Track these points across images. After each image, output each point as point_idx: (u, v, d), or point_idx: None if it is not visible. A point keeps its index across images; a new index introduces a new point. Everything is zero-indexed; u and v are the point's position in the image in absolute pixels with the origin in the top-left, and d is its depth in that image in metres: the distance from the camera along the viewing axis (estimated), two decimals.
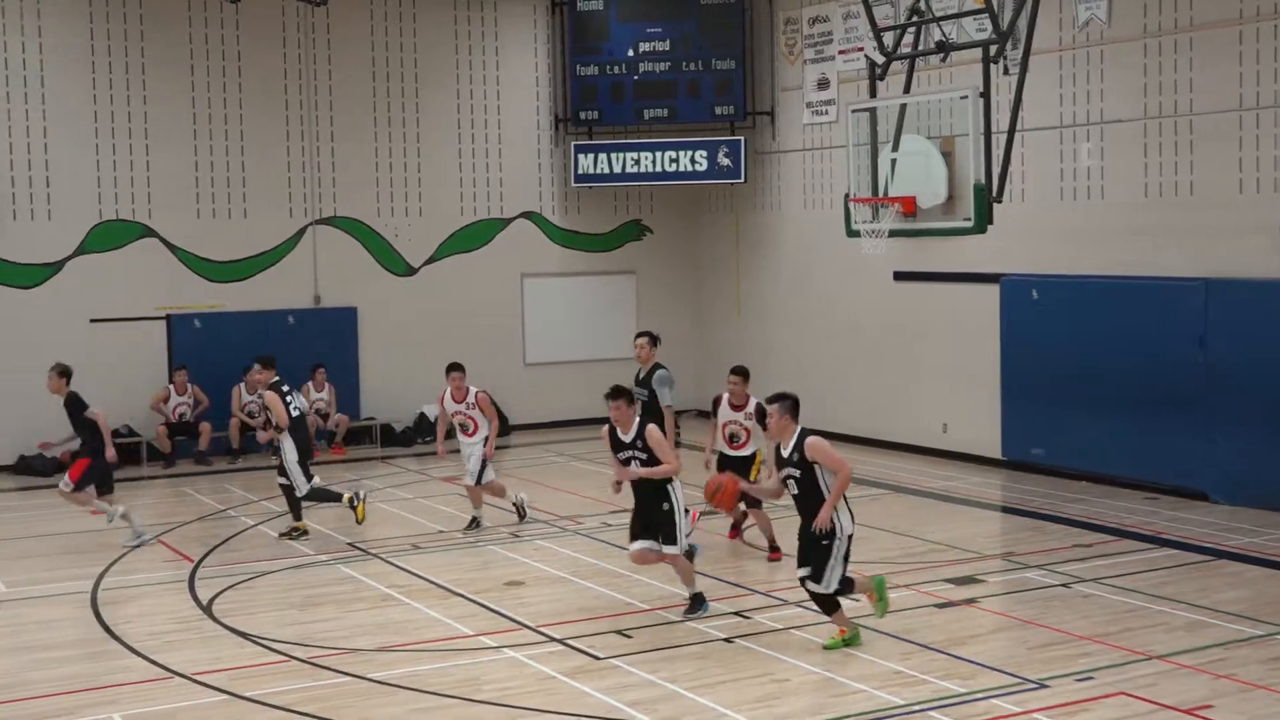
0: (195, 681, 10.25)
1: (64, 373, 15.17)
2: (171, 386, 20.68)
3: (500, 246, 23.44)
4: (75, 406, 15.06)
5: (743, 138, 22.84)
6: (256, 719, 9.45)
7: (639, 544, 11.51)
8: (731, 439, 13.68)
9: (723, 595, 12.30)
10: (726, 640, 10.98)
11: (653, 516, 11.44)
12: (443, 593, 12.71)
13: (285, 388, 15.39)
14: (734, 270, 23.97)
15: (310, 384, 21.36)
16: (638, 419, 11.46)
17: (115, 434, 20.43)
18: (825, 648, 10.55)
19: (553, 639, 11.06)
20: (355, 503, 15.45)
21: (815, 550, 10.41)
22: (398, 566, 13.78)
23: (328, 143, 22.24)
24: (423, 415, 22.38)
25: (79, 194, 20.65)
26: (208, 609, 12.34)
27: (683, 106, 23.10)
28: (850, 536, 10.47)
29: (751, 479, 13.31)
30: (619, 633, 11.20)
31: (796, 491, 10.53)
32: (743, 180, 22.91)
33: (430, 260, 22.99)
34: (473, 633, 11.38)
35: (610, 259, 24.29)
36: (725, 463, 13.49)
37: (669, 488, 11.42)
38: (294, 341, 21.46)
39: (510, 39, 23.40)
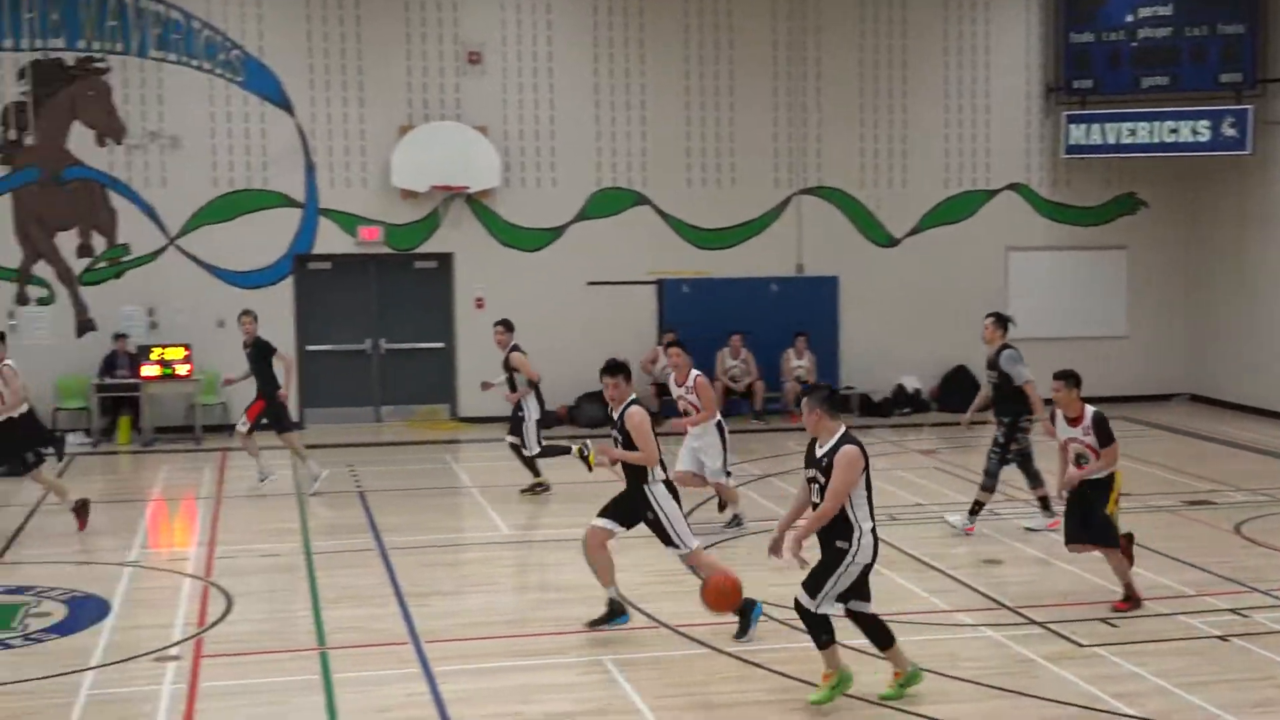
0: (679, 633, 10.65)
1: (256, 317, 16.56)
2: (660, 348, 21.52)
3: (985, 219, 23.02)
4: (263, 350, 16.27)
5: (1250, 107, 21.43)
6: (735, 674, 9.72)
7: (597, 521, 10.58)
8: (1078, 459, 11.20)
9: (1218, 590, 11.68)
10: (1221, 638, 10.42)
11: (626, 506, 10.56)
12: (919, 565, 12.67)
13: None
14: (1238, 248, 22.56)
15: (791, 351, 21.73)
16: (630, 400, 10.50)
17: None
18: (811, 702, 9.00)
19: (1033, 621, 10.82)
20: (585, 453, 15.49)
21: (820, 565, 8.96)
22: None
23: (814, 112, 22.48)
24: (900, 387, 22.38)
25: (580, 162, 21.78)
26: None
27: (1185, 74, 21.92)
28: (866, 566, 8.90)
29: (1109, 509, 11.02)
30: (1103, 620, 10.82)
31: (818, 500, 8.92)
32: (1249, 152, 21.50)
33: (912, 231, 22.86)
34: (950, 608, 11.29)
35: (1100, 233, 23.39)
36: (1079, 490, 11.20)
37: (648, 491, 10.37)
38: (776, 309, 21.91)
39: (1001, 6, 22.86)
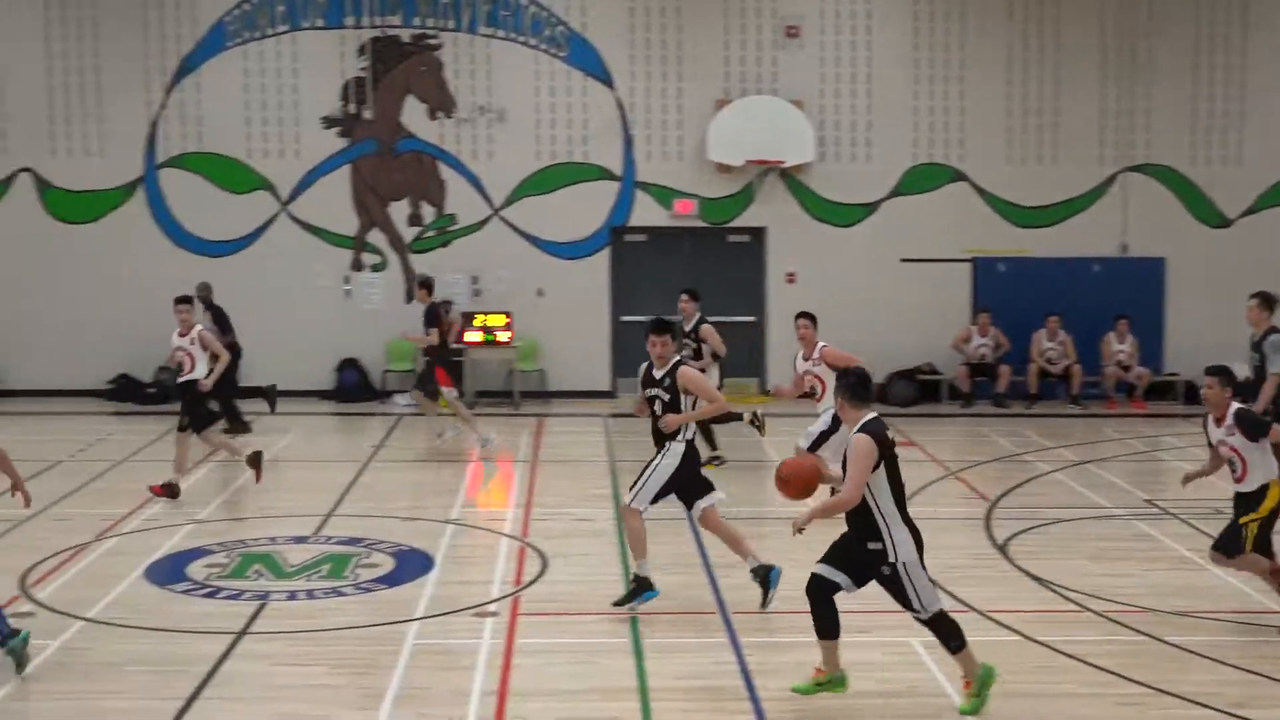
0: (988, 618, 10.45)
1: (424, 284, 17.45)
2: (974, 328, 21.13)
3: None
4: (433, 316, 17.06)
5: None
6: (1046, 663, 9.50)
7: (700, 501, 10.75)
8: (1229, 465, 10.27)
9: None
10: None
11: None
12: None
13: None
14: None
15: (1112, 335, 21.02)
16: (677, 360, 10.43)
17: (918, 371, 21.36)
18: (962, 712, 8.40)
19: None
20: (756, 422, 15.35)
21: (877, 577, 8.41)
22: (1198, 530, 13.27)
23: (1143, 86, 21.61)
24: None
25: (897, 137, 21.53)
26: (1003, 549, 12.55)
27: None
28: (906, 564, 8.29)
29: (1244, 519, 10.12)
30: None
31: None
32: None
33: (1248, 211, 21.77)
34: (1278, 608, 10.75)
35: None
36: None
37: (668, 443, 10.47)
38: (1097, 290, 21.27)
39: None
